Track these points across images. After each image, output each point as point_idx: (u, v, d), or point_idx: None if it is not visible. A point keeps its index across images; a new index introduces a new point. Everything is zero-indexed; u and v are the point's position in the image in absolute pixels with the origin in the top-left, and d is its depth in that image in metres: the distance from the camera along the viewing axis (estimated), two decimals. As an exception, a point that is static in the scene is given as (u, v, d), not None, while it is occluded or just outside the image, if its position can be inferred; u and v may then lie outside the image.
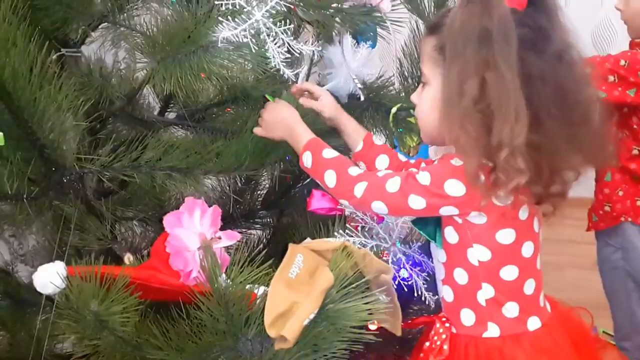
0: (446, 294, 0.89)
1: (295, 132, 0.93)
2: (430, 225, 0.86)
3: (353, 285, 0.74)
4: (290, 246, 0.77)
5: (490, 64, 0.76)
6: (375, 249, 0.87)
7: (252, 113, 1.05)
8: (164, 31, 0.92)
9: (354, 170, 0.87)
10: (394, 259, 0.88)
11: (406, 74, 1.47)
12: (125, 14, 1.10)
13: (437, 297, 0.90)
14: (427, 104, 0.87)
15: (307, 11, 0.93)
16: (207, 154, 1.01)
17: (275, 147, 1.02)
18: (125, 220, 1.29)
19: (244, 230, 1.38)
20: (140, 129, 1.23)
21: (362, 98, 1.07)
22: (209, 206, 1.49)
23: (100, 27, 1.14)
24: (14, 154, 0.91)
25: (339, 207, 1.01)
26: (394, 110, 1.04)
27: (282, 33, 0.85)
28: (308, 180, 1.41)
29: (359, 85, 1.06)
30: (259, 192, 1.41)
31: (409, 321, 0.89)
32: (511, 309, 0.88)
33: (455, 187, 0.80)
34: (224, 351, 0.79)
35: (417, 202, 0.82)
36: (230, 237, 0.76)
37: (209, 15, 0.81)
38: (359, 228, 0.89)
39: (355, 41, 1.13)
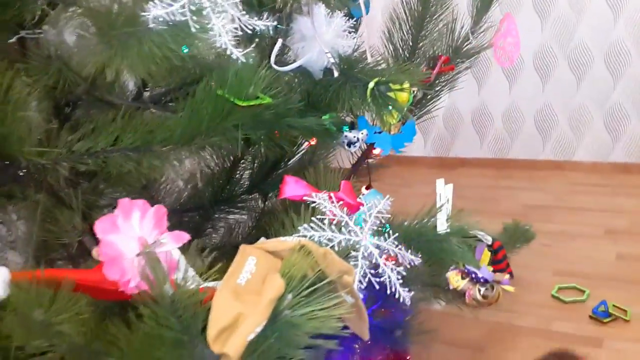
0: None
1: None
2: None
3: (311, 288, 0.67)
4: (242, 247, 0.70)
5: None
6: (344, 244, 0.80)
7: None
8: (107, 12, 0.84)
9: None
10: (365, 254, 0.80)
11: (395, 42, 1.38)
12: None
13: (412, 293, 0.82)
14: None
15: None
16: (161, 127, 0.94)
17: (231, 109, 0.93)
18: (99, 209, 1.25)
19: (224, 216, 1.32)
20: (111, 112, 1.18)
21: (336, 74, 0.98)
22: (188, 191, 1.42)
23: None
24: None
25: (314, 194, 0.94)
26: (371, 85, 0.95)
27: (232, 7, 0.76)
28: (292, 160, 1.34)
29: (332, 60, 0.97)
30: (241, 173, 1.35)
31: None
32: None
33: None
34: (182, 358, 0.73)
35: None
36: (178, 239, 0.69)
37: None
38: (326, 221, 0.80)
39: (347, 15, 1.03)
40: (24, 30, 1.08)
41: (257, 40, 0.89)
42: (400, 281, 0.78)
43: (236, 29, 0.75)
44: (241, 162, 1.33)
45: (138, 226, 0.67)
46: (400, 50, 1.37)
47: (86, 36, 1.01)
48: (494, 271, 1.60)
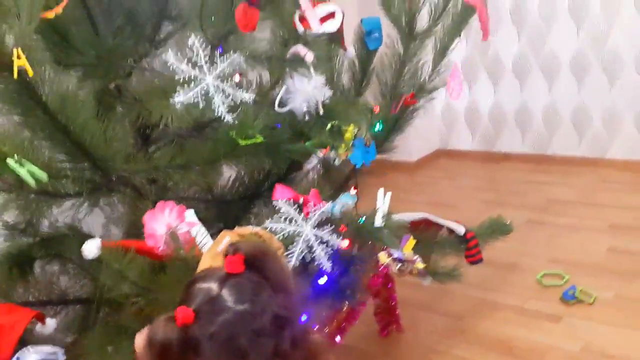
0: None
1: None
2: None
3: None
4: (223, 231, 1.22)
5: None
6: (291, 232, 1.29)
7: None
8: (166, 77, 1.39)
9: None
10: (306, 239, 1.28)
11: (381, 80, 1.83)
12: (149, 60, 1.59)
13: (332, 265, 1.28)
14: None
15: (257, 65, 1.34)
16: (194, 152, 1.47)
17: (238, 144, 1.43)
18: (167, 200, 1.82)
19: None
20: (173, 136, 1.74)
21: (307, 118, 1.46)
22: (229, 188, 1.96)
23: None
24: (75, 169, 1.44)
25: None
26: (328, 126, 1.43)
27: (229, 88, 1.27)
28: (303, 169, 1.84)
29: (304, 109, 1.46)
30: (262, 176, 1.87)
31: None
32: None
33: None
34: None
35: None
36: (190, 225, 1.23)
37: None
38: (284, 218, 1.30)
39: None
40: (118, 79, 1.67)
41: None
42: (327, 257, 1.27)
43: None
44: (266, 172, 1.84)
45: (168, 216, 1.21)
46: (386, 85, 1.82)
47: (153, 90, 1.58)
48: (466, 257, 2.01)
